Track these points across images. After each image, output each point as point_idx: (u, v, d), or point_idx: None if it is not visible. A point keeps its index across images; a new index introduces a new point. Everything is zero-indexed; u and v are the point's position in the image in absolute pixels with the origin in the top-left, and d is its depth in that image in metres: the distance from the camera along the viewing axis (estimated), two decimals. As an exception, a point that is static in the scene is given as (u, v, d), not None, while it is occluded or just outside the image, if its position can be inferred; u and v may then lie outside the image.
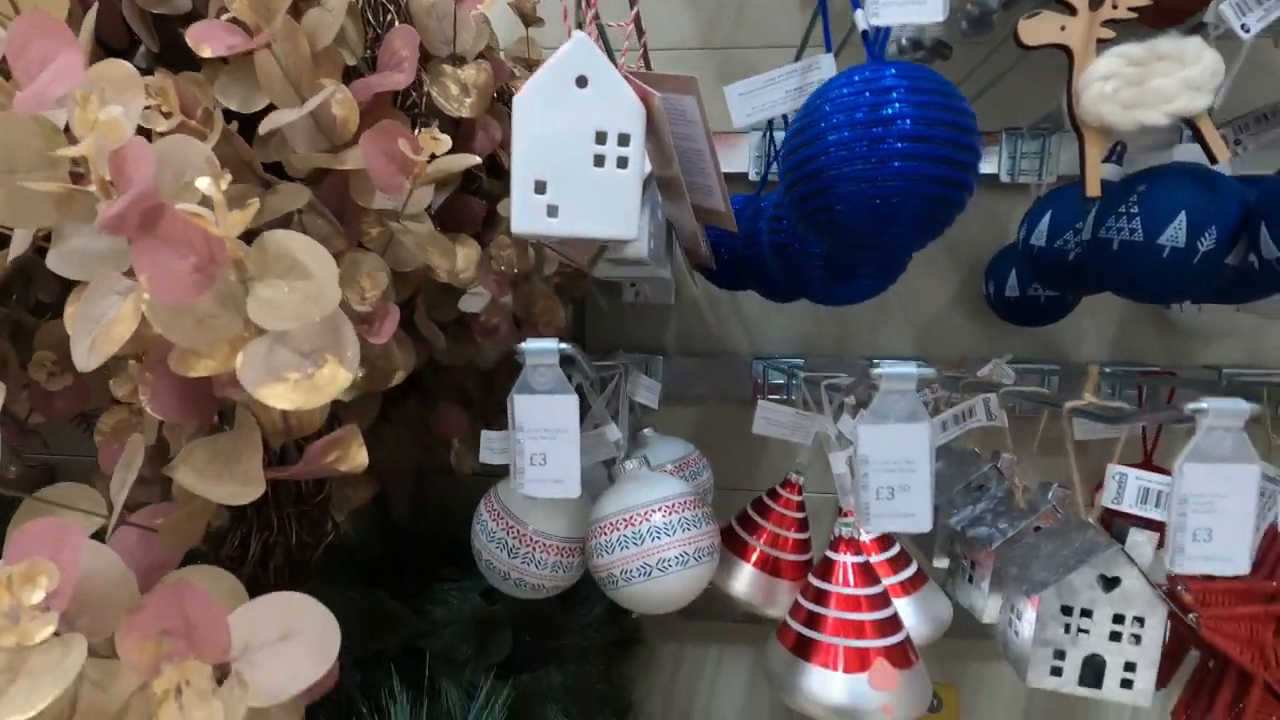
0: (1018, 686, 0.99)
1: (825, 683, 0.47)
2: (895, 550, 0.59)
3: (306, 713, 0.55)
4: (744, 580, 0.63)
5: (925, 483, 0.38)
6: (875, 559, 0.59)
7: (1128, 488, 0.46)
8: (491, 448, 0.57)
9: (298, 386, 0.31)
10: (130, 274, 0.31)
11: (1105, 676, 0.46)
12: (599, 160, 0.37)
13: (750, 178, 0.89)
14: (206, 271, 0.29)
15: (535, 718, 0.72)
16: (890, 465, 0.38)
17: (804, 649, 0.48)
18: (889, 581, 0.58)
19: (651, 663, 1.06)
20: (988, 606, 0.58)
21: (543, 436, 0.40)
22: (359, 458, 0.37)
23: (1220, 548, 0.36)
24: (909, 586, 0.58)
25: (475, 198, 0.62)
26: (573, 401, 0.40)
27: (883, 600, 0.49)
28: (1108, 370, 0.90)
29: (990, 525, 0.58)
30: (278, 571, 0.46)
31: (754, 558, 0.63)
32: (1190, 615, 0.51)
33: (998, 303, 0.87)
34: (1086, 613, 0.46)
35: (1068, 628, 0.46)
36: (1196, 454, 0.35)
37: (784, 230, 0.52)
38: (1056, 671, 0.47)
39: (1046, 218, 0.68)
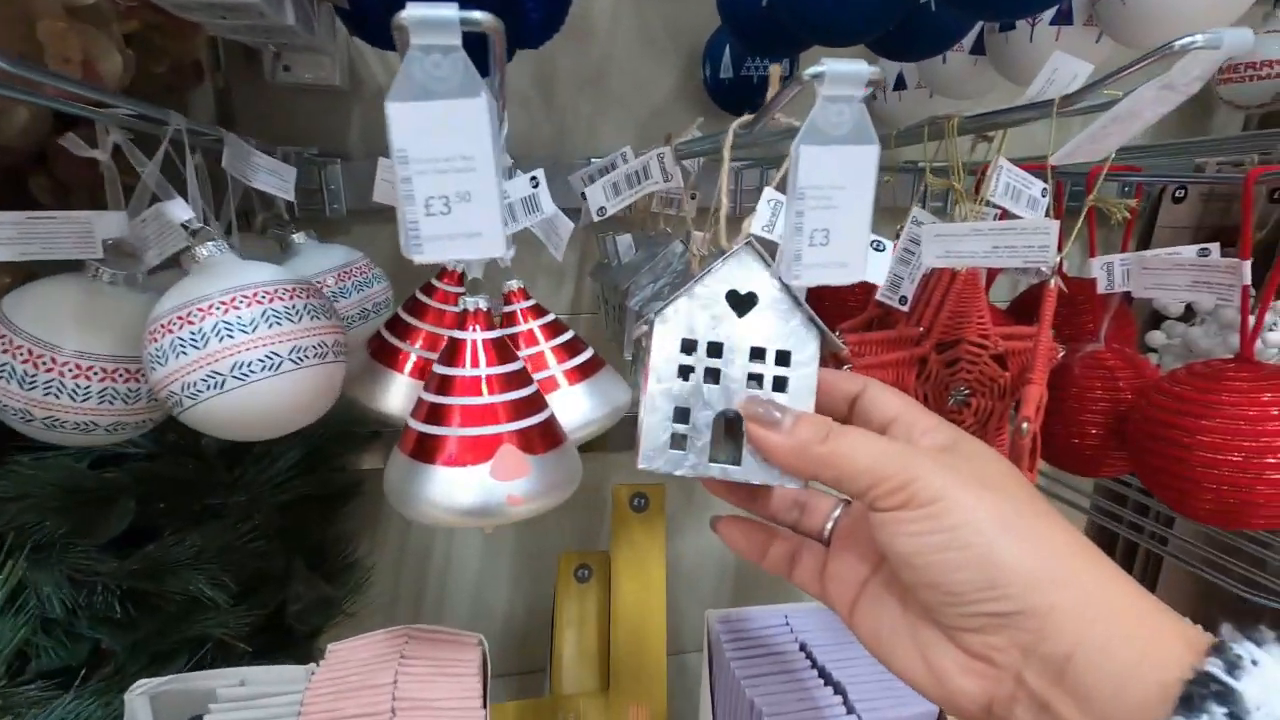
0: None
1: (445, 483, 0.38)
2: (567, 336, 0.51)
3: None
4: (399, 394, 0.52)
5: (491, 188, 0.27)
6: (546, 346, 0.51)
7: (781, 214, 0.41)
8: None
9: None
10: None
11: (744, 448, 0.30)
12: None
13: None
14: None
15: (171, 589, 0.59)
16: (440, 164, 0.26)
17: (425, 450, 0.39)
18: (561, 368, 0.51)
19: (378, 516, 0.96)
20: (665, 388, 0.53)
21: None
22: None
23: (836, 252, 0.31)
24: (582, 372, 0.51)
25: None
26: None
27: (518, 379, 0.40)
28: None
29: (665, 298, 0.52)
30: None
31: (409, 366, 0.52)
32: (845, 367, 0.49)
33: (715, 86, 0.79)
34: (715, 349, 0.31)
35: (689, 372, 0.31)
36: (813, 132, 0.29)
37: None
38: (679, 442, 0.30)
39: (742, -43, 0.59)
